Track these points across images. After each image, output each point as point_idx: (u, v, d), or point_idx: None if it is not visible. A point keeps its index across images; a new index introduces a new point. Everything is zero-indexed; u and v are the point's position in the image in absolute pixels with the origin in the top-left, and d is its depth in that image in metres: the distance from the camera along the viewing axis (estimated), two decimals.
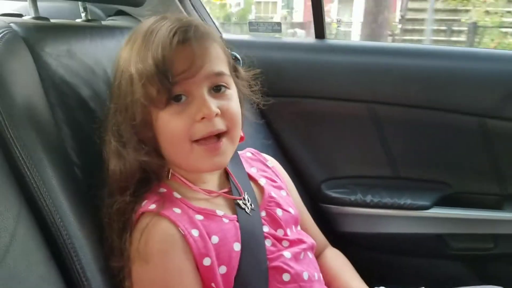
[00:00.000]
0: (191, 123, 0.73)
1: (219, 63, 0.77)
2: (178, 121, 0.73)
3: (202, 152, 0.74)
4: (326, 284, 0.89)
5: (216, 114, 0.73)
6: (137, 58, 0.73)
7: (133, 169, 0.75)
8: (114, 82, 0.78)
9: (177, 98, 0.73)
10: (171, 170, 0.80)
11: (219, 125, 0.75)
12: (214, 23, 1.45)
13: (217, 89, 0.76)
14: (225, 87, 0.77)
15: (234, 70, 0.84)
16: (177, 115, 0.73)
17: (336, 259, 0.98)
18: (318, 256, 0.96)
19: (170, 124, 0.74)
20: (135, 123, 0.74)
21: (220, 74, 0.76)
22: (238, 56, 0.86)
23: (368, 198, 1.34)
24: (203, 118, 0.72)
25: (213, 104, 0.73)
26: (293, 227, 0.88)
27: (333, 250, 1.02)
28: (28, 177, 0.69)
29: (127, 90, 0.75)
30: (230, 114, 0.76)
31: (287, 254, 0.81)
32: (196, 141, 0.74)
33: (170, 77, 0.71)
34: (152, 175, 0.77)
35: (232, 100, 0.78)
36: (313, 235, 0.95)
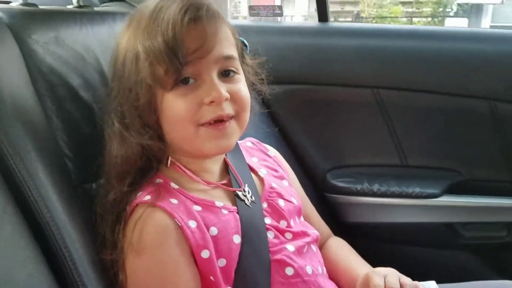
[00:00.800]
0: (198, 106, 0.70)
1: (229, 45, 0.74)
2: (184, 103, 0.70)
3: (208, 134, 0.71)
4: (331, 273, 0.87)
5: (226, 99, 0.71)
6: (145, 35, 0.70)
7: (135, 153, 0.72)
8: (117, 61, 0.74)
9: (184, 81, 0.70)
10: (170, 158, 0.77)
11: (228, 109, 0.72)
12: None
13: (226, 74, 0.73)
14: (234, 72, 0.74)
15: (242, 56, 0.81)
16: (183, 96, 0.70)
17: (341, 248, 0.95)
18: (321, 246, 0.93)
19: (175, 105, 0.70)
20: (138, 104, 0.71)
21: (230, 58, 0.73)
22: (246, 42, 0.82)
23: (375, 187, 1.30)
24: (212, 102, 0.70)
25: (223, 88, 0.71)
26: (296, 218, 0.85)
27: (337, 239, 0.99)
28: (14, 170, 0.66)
29: (131, 69, 0.71)
30: (239, 98, 0.74)
31: (290, 247, 0.78)
32: (202, 124, 0.71)
33: (181, 57, 0.67)
34: (154, 161, 0.75)
35: (242, 83, 0.76)
36: (316, 225, 0.93)
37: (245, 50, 0.82)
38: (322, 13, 1.36)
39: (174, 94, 0.70)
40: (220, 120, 0.72)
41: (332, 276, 0.86)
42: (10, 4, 0.85)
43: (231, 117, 0.73)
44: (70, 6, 0.97)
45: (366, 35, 1.35)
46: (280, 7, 1.41)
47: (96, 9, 1.04)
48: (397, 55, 1.27)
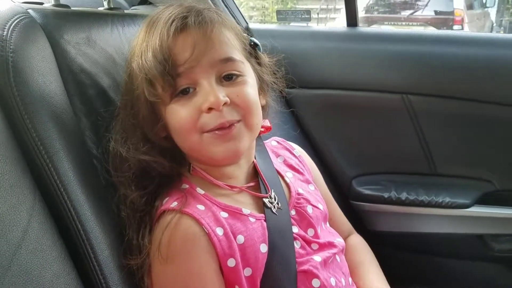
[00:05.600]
0: (198, 113, 0.69)
1: (227, 48, 0.72)
2: (184, 112, 0.69)
3: (212, 139, 0.70)
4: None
5: (225, 103, 0.68)
6: (139, 51, 0.70)
7: (129, 165, 0.72)
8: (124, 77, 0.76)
9: (184, 91, 0.69)
10: (192, 165, 0.76)
11: (230, 114, 0.70)
12: (240, 12, 1.41)
13: (228, 77, 0.71)
14: (237, 74, 0.72)
15: (255, 57, 0.79)
16: (183, 106, 0.69)
17: (356, 251, 0.93)
18: None
19: (177, 116, 0.70)
20: (139, 119, 0.72)
21: (228, 60, 0.71)
22: (257, 41, 0.80)
23: (403, 196, 1.27)
24: (210, 108, 0.68)
25: (221, 93, 0.68)
26: (323, 224, 0.84)
27: (356, 238, 0.97)
28: (43, 168, 0.66)
29: (130, 86, 0.72)
30: (241, 100, 0.71)
31: (317, 258, 0.76)
32: (206, 131, 0.70)
33: (171, 69, 0.67)
34: (154, 173, 0.73)
35: (246, 86, 0.72)
36: (340, 223, 0.93)
37: (258, 49, 0.81)
38: (351, 18, 1.34)
39: (175, 104, 0.70)
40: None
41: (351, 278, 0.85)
42: (43, 5, 0.86)
43: (237, 121, 0.71)
44: (101, 8, 0.98)
45: (396, 40, 1.32)
46: (308, 12, 1.40)
47: (126, 11, 1.04)
48: (428, 61, 1.24)
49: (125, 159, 0.71)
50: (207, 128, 0.69)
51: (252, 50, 0.79)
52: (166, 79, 0.67)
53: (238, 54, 0.73)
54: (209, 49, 0.69)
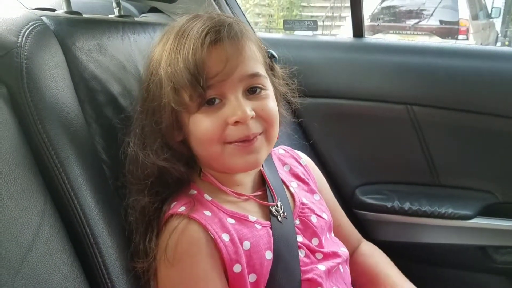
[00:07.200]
0: (223, 125, 0.70)
1: (254, 63, 0.73)
2: (210, 123, 0.70)
3: (234, 151, 0.71)
4: (367, 282, 0.87)
5: (251, 117, 0.70)
6: (168, 60, 0.71)
7: (148, 172, 0.72)
8: (143, 83, 0.76)
9: (210, 101, 0.70)
10: (203, 170, 0.78)
11: (254, 128, 0.71)
12: (247, 21, 1.42)
13: (252, 91, 0.73)
14: (261, 88, 0.73)
15: (271, 69, 0.81)
16: (209, 116, 0.70)
17: (374, 255, 0.94)
18: (352, 253, 0.93)
19: (202, 125, 0.71)
20: (161, 126, 0.72)
21: (255, 75, 0.72)
22: (274, 53, 0.82)
23: (406, 206, 1.28)
24: (237, 122, 0.69)
25: (248, 107, 0.70)
26: (328, 234, 0.84)
27: (369, 245, 0.98)
28: (54, 173, 0.67)
29: (155, 94, 0.72)
30: (266, 114, 0.73)
31: (321, 267, 0.77)
32: (229, 142, 0.71)
33: (203, 82, 0.67)
34: (170, 180, 0.74)
35: (269, 99, 0.74)
36: (347, 232, 0.94)
37: (274, 61, 0.82)
38: (357, 28, 1.35)
39: (200, 114, 0.70)
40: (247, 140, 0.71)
41: (368, 286, 0.86)
42: (55, 12, 0.87)
43: (260, 134, 0.73)
44: (111, 16, 1.00)
45: (401, 51, 1.33)
46: (315, 22, 1.41)
47: (136, 19, 1.06)
48: (434, 72, 1.25)
49: (143, 164, 0.72)
50: (231, 139, 0.70)
51: (270, 62, 0.81)
52: (196, 90, 0.68)
53: (262, 68, 0.75)
54: (239, 63, 0.70)
